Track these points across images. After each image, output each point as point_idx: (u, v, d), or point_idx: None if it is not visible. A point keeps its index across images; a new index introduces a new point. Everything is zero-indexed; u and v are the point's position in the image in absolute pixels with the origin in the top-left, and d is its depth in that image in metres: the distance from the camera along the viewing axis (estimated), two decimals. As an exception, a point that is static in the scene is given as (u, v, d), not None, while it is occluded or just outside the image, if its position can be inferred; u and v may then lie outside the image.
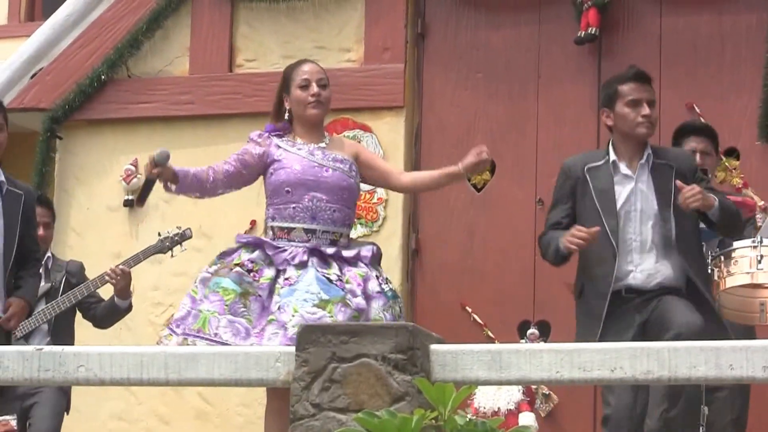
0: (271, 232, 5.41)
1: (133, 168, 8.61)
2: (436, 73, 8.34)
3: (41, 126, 8.69)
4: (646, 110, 5.64)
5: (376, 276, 5.39)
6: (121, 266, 6.82)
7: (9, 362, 4.12)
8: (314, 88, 5.51)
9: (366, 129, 8.21)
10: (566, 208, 5.78)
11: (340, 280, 5.24)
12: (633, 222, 5.60)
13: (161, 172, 5.38)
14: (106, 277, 6.83)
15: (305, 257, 5.27)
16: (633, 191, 5.64)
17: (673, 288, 5.54)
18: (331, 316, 5.10)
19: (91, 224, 8.55)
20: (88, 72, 8.69)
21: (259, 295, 5.23)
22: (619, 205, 5.62)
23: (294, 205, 5.36)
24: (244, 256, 5.31)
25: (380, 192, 7.84)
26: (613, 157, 5.69)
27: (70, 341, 6.87)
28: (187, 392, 8.27)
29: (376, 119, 8.25)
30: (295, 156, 5.43)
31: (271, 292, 5.23)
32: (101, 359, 4.07)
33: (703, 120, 7.59)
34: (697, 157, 6.14)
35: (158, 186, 8.59)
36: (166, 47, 8.74)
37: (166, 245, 6.94)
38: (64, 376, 4.12)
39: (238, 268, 5.25)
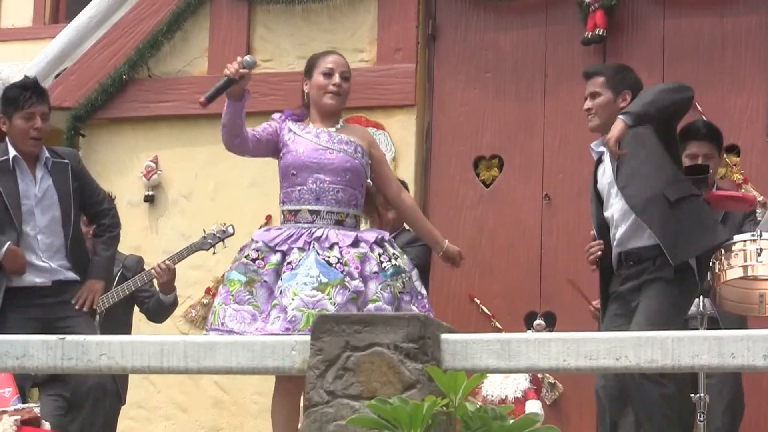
0: (282, 216, 5.45)
1: (153, 165, 8.73)
2: (446, 73, 8.41)
3: (65, 124, 8.77)
4: (587, 104, 5.91)
5: (379, 254, 5.35)
6: (166, 262, 6.91)
7: (34, 351, 4.12)
8: (336, 79, 5.48)
9: (378, 127, 8.28)
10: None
11: (340, 263, 5.23)
12: (612, 194, 5.83)
13: (246, 75, 5.29)
14: (153, 272, 6.92)
15: (307, 241, 5.28)
16: (611, 162, 5.84)
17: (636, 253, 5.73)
18: (330, 299, 5.11)
19: (113, 219, 8.70)
20: (110, 72, 8.80)
21: (265, 281, 5.25)
22: (601, 184, 5.88)
23: (299, 188, 5.38)
24: (254, 245, 5.35)
25: (392, 188, 7.95)
26: (593, 144, 5.97)
27: (123, 333, 6.81)
28: (204, 381, 8.36)
29: (388, 117, 8.33)
30: (301, 139, 5.44)
31: (278, 276, 5.26)
32: (123, 348, 4.06)
33: (704, 118, 7.76)
34: (699, 161, 6.20)
35: (179, 183, 8.77)
36: (186, 48, 8.83)
37: (208, 242, 6.96)
38: (87, 364, 4.10)
39: (243, 259, 5.30)
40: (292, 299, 5.12)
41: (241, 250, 5.46)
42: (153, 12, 8.82)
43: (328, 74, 5.50)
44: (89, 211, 6.28)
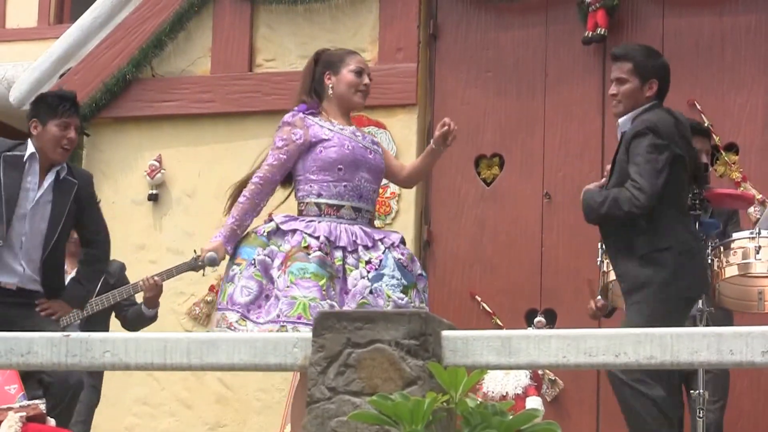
0: (316, 209, 5.36)
1: (157, 164, 8.74)
2: (447, 72, 8.43)
3: (69, 123, 8.87)
4: (612, 90, 5.78)
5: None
6: (155, 277, 6.96)
7: (38, 348, 4.09)
8: (366, 79, 5.53)
9: (380, 126, 8.30)
10: None
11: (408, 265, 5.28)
12: None
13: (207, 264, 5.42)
14: (140, 285, 6.97)
15: (372, 239, 5.28)
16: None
17: None
18: (412, 302, 5.17)
19: (117, 217, 8.52)
20: (114, 72, 8.82)
21: (338, 277, 5.21)
22: None
23: (345, 184, 5.34)
24: (310, 240, 5.23)
25: (393, 187, 7.88)
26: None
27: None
28: (208, 378, 8.39)
29: (390, 116, 8.34)
30: (339, 135, 5.41)
31: (343, 273, 5.23)
32: (126, 344, 4.04)
33: (704, 116, 7.80)
34: (703, 157, 6.23)
35: (183, 181, 8.82)
36: (189, 48, 8.86)
37: (198, 264, 6.81)
38: (91, 361, 4.09)
39: (318, 253, 5.19)
40: (387, 301, 5.13)
41: (270, 236, 5.33)
42: (156, 12, 8.85)
43: (359, 73, 5.54)
44: (84, 237, 6.21)
